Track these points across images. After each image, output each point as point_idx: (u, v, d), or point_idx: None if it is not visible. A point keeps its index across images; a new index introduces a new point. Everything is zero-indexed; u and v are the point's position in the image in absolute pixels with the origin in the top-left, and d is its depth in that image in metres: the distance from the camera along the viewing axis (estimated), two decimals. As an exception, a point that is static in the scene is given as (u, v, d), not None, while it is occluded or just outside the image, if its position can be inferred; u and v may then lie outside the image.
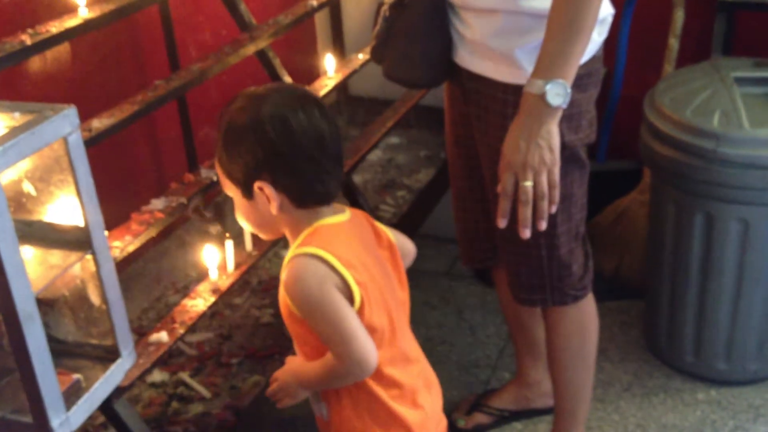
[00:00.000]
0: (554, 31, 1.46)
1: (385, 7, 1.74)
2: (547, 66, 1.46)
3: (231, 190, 1.38)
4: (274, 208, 1.32)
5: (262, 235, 1.42)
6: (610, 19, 1.68)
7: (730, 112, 2.07)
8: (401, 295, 1.42)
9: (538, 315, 2.04)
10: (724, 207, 2.05)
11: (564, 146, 1.56)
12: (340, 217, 1.36)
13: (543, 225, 1.51)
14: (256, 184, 1.31)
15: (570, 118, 1.61)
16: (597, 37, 1.63)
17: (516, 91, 1.56)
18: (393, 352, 1.37)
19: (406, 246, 1.50)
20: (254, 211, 1.36)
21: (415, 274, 2.72)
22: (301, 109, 1.30)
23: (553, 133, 1.48)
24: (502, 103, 1.64)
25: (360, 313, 1.29)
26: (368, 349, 1.28)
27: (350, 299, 1.29)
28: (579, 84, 1.57)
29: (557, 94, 1.45)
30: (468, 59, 1.68)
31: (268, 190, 1.30)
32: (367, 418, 1.37)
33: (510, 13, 1.55)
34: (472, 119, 1.76)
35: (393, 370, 1.36)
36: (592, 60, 1.65)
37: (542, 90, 1.45)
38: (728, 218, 2.06)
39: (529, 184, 1.48)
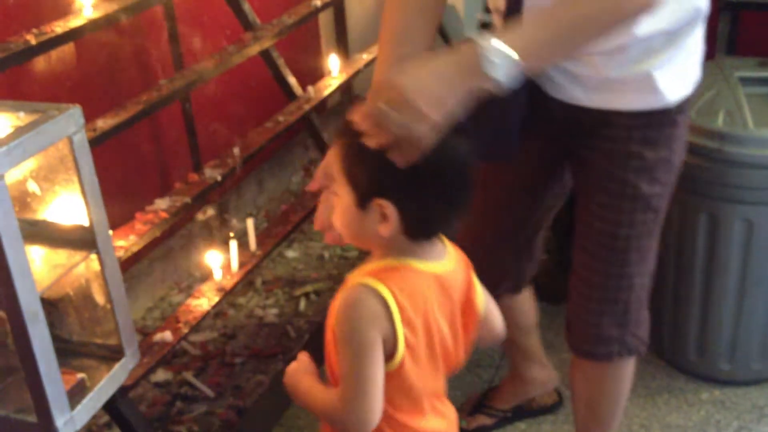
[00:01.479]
0: (549, 11, 1.22)
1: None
2: (512, 32, 1.18)
3: (342, 189, 1.20)
4: (386, 230, 1.17)
5: (348, 240, 1.26)
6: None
7: (734, 112, 2.06)
8: (456, 363, 1.29)
9: (533, 329, 2.05)
10: (728, 207, 2.05)
11: (637, 197, 1.50)
12: (434, 267, 1.21)
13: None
14: (379, 201, 1.15)
15: (654, 166, 1.51)
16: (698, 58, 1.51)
17: (648, 116, 1.47)
18: (421, 410, 1.27)
19: (494, 323, 1.35)
20: (358, 221, 1.19)
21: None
22: (456, 140, 1.16)
23: (453, 104, 1.15)
24: (626, 131, 1.49)
25: (398, 371, 1.19)
26: (372, 411, 1.17)
27: (392, 353, 1.18)
28: (670, 120, 1.49)
29: (500, 65, 1.14)
30: (590, 98, 1.49)
31: (390, 212, 1.15)
32: None
33: (637, 40, 1.40)
34: (573, 161, 1.62)
35: (415, 423, 1.26)
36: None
37: (489, 44, 1.14)
38: (732, 218, 2.05)
39: (393, 115, 1.11)
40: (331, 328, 1.24)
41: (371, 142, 1.13)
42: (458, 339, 1.27)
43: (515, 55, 1.15)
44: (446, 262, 1.24)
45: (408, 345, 1.17)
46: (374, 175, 1.15)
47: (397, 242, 1.19)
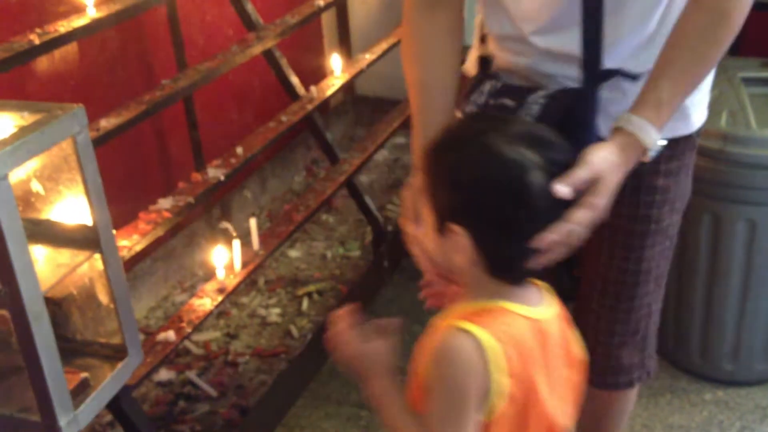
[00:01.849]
0: (679, 69, 1.19)
1: None
2: (656, 108, 1.18)
3: (426, 211, 1.12)
4: (460, 260, 1.08)
5: (440, 274, 1.18)
6: None
7: (737, 112, 2.06)
8: (561, 425, 1.14)
9: None
10: (731, 207, 2.04)
11: (659, 231, 1.45)
12: (531, 312, 1.09)
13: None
14: (452, 225, 1.06)
15: (676, 197, 1.45)
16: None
17: (675, 145, 1.37)
18: None
19: None
20: (439, 248, 1.11)
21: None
22: (537, 173, 1.03)
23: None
24: (653, 163, 1.33)
25: (497, 422, 1.06)
26: None
27: (488, 405, 1.05)
28: (693, 145, 1.42)
29: (654, 143, 1.18)
30: None
31: (464, 241, 1.05)
32: None
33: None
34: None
35: None
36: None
37: (651, 139, 1.17)
38: (735, 218, 2.05)
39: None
40: (417, 373, 1.13)
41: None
42: (562, 396, 1.13)
43: (659, 129, 1.18)
44: (544, 308, 1.11)
45: (512, 398, 1.05)
46: (450, 196, 1.07)
47: (484, 281, 1.08)
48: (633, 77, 1.26)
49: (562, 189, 1.04)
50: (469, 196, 1.04)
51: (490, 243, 1.05)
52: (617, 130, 1.17)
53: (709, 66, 1.23)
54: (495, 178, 1.03)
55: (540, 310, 1.10)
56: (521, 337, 1.06)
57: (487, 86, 1.32)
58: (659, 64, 1.20)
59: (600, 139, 1.19)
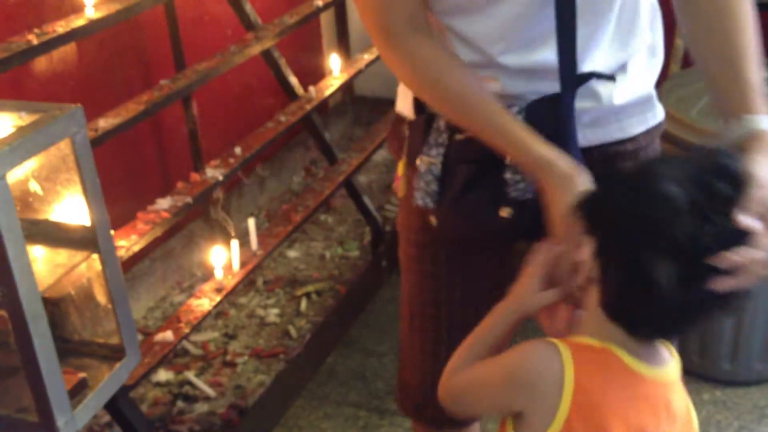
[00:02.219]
0: (746, 49, 1.14)
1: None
2: (760, 96, 1.13)
3: (581, 233, 1.03)
4: (593, 297, 1.00)
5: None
6: None
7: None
8: None
9: None
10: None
11: None
12: (649, 371, 0.98)
13: None
14: (603, 259, 0.97)
15: None
16: None
17: (647, 136, 1.31)
18: None
19: None
20: (582, 272, 1.02)
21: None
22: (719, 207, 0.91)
23: None
24: (629, 158, 1.30)
25: None
26: (456, 406, 1.08)
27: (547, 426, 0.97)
28: (661, 132, 1.36)
29: None
30: (586, 136, 1.24)
31: (587, 263, 0.98)
32: None
33: (636, 53, 1.25)
34: None
35: None
36: None
37: None
38: (734, 218, 2.06)
39: None
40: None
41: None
42: None
43: None
44: (669, 371, 1.00)
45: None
46: (586, 215, 0.99)
47: (601, 318, 0.98)
48: (609, 77, 1.21)
49: (746, 220, 0.91)
50: (631, 241, 0.92)
51: (620, 290, 0.94)
52: (755, 136, 1.07)
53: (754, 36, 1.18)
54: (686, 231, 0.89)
55: (663, 372, 1.00)
56: (625, 390, 0.96)
57: (442, 123, 1.20)
58: (726, 55, 1.14)
59: (580, 150, 1.17)
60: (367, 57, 2.80)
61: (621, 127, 1.28)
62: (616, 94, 1.23)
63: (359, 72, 2.75)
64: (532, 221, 1.16)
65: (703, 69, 1.20)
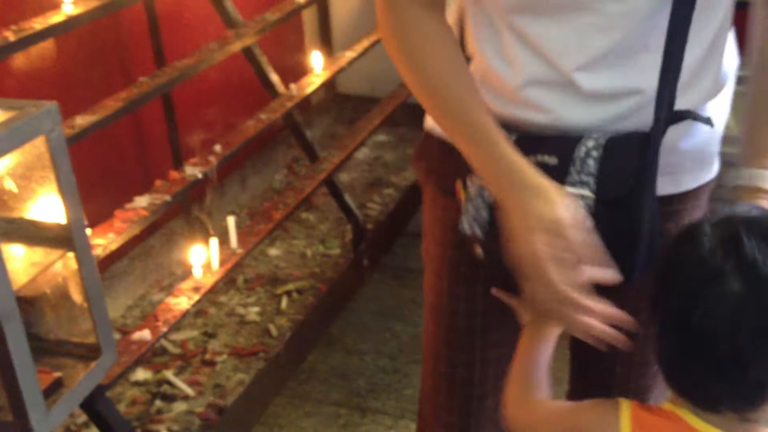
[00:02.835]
0: None
1: None
2: None
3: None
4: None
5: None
6: None
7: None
8: None
9: None
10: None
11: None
12: None
13: None
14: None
15: None
16: None
17: (699, 192, 1.16)
18: None
19: None
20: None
21: (402, 271, 2.72)
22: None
23: None
24: (681, 215, 1.15)
25: None
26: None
27: None
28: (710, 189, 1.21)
29: None
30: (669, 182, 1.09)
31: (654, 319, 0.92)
32: None
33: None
34: None
35: None
36: None
37: None
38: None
39: None
40: None
41: None
42: None
43: None
44: None
45: None
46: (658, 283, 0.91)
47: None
48: (707, 121, 1.01)
49: None
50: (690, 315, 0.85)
51: (675, 358, 0.89)
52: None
53: None
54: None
55: None
56: None
57: None
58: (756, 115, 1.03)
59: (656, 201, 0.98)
60: (350, 54, 2.80)
61: (675, 180, 1.10)
62: (683, 139, 1.05)
63: (341, 70, 2.74)
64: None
65: (749, 105, 1.07)
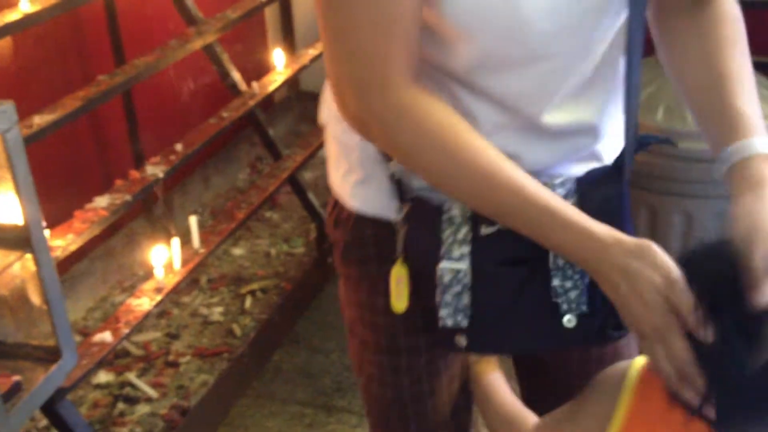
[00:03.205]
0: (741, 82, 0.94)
1: None
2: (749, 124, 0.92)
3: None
4: None
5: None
6: None
7: (673, 107, 2.10)
8: None
9: None
10: (667, 200, 2.08)
11: None
12: None
13: None
14: None
15: None
16: None
17: None
18: None
19: None
20: None
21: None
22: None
23: None
24: None
25: None
26: None
27: None
28: None
29: None
30: None
31: None
32: None
33: None
34: None
35: None
36: None
37: None
38: (672, 211, 2.09)
39: None
40: None
41: None
42: None
43: None
44: None
45: None
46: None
47: None
48: (669, 141, 1.02)
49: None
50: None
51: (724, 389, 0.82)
52: (748, 162, 0.88)
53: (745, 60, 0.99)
54: None
55: None
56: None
57: (457, 211, 0.94)
58: (709, 83, 0.95)
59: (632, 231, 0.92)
60: (312, 52, 2.79)
61: None
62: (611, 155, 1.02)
63: (304, 67, 2.73)
64: (603, 323, 0.94)
65: (689, 105, 1.00)
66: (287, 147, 2.66)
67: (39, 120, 1.76)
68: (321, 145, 2.69)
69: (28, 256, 1.23)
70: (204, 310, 2.50)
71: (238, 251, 2.81)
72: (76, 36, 2.39)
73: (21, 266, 1.27)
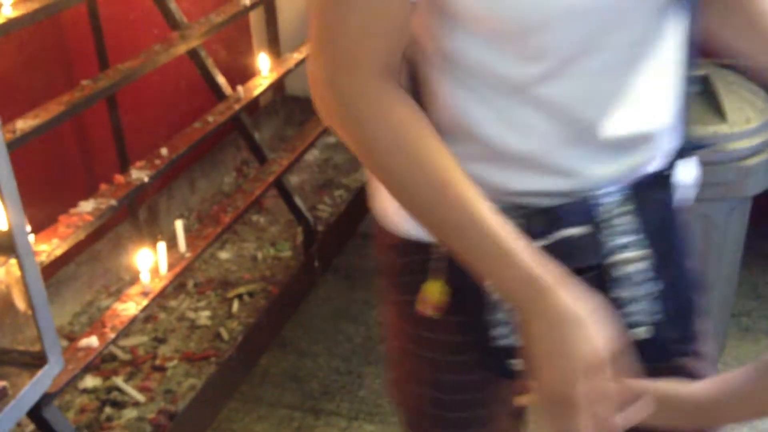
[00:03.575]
0: None
1: None
2: None
3: None
4: None
5: None
6: None
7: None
8: None
9: None
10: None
11: None
12: None
13: None
14: None
15: None
16: None
17: None
18: None
19: None
20: None
21: (354, 273, 2.72)
22: None
23: None
24: None
25: None
26: None
27: None
28: None
29: None
30: None
31: None
32: None
33: None
34: None
35: None
36: None
37: None
38: (690, 215, 2.09)
39: None
40: None
41: None
42: None
43: None
44: None
45: None
46: None
47: None
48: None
49: None
50: None
51: None
52: None
53: None
54: None
55: None
56: None
57: None
58: None
59: None
60: (297, 56, 2.79)
61: None
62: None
63: (289, 71, 2.73)
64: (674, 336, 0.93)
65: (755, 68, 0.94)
66: (273, 151, 2.66)
67: (22, 125, 1.75)
68: (307, 149, 2.69)
69: (13, 261, 1.23)
70: (191, 314, 2.50)
71: (224, 255, 2.81)
72: (60, 41, 2.38)
73: (5, 271, 1.27)
